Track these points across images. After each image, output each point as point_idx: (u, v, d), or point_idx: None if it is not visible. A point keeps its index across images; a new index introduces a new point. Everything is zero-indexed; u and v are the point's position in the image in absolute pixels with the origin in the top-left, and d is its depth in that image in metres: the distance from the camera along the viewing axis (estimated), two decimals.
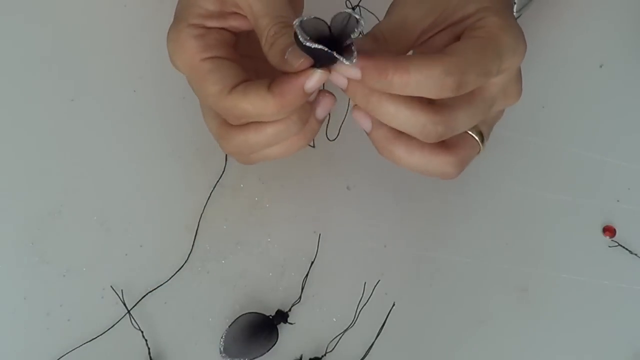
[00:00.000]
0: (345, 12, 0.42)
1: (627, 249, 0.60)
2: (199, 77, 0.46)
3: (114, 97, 0.61)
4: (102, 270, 0.57)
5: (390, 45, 0.46)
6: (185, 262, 0.58)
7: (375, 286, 0.57)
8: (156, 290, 0.57)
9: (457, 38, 0.47)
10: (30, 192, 0.59)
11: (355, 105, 0.46)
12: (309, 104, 0.45)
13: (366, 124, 0.46)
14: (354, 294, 0.57)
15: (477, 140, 0.48)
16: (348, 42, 0.42)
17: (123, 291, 0.56)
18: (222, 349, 0.55)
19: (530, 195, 0.61)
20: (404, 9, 0.47)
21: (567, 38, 0.65)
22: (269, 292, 0.58)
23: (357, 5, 0.63)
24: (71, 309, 0.56)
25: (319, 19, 0.42)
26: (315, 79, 0.43)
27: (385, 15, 0.48)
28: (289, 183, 0.60)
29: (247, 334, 0.56)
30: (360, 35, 0.42)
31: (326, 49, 0.41)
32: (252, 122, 0.46)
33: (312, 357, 0.56)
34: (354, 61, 0.41)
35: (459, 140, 0.47)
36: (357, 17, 0.41)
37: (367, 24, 0.63)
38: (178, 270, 0.57)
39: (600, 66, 0.65)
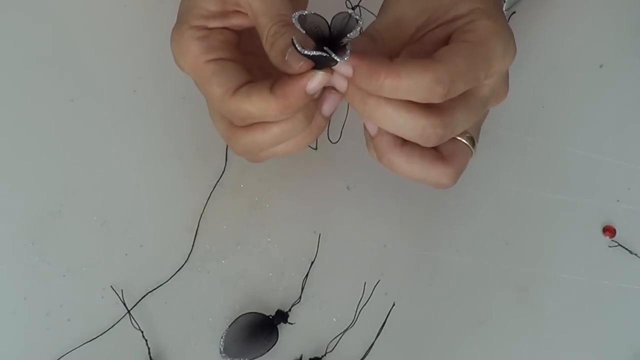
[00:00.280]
0: (345, 12, 0.42)
1: (627, 249, 0.60)
2: (203, 80, 0.46)
3: (114, 97, 0.61)
4: (102, 270, 0.57)
5: (387, 44, 0.46)
6: (185, 262, 0.58)
7: (375, 286, 0.57)
8: (156, 290, 0.57)
9: (449, 37, 0.47)
10: (30, 192, 0.59)
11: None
12: (315, 101, 0.46)
13: (373, 127, 0.47)
14: (354, 294, 0.57)
15: (469, 146, 0.49)
16: (344, 40, 0.42)
17: (123, 291, 0.56)
18: (222, 349, 0.55)
19: (530, 195, 0.61)
20: (399, 7, 0.47)
21: (567, 38, 0.65)
22: (269, 292, 0.58)
23: (357, 5, 0.63)
24: (71, 309, 0.56)
25: (318, 15, 0.42)
26: (316, 80, 0.43)
27: (379, 13, 0.48)
28: (289, 183, 0.60)
29: (247, 334, 0.56)
30: (360, 33, 0.42)
31: (322, 53, 0.41)
32: (258, 123, 0.46)
33: (312, 357, 0.56)
34: (345, 59, 0.42)
35: (455, 152, 0.48)
36: (357, 17, 0.42)
37: (367, 24, 0.63)
38: (178, 270, 0.57)
39: (600, 66, 0.65)
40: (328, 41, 0.42)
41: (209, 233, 0.59)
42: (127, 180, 0.60)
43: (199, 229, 0.58)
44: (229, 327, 0.56)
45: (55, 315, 0.56)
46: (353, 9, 0.62)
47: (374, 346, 0.56)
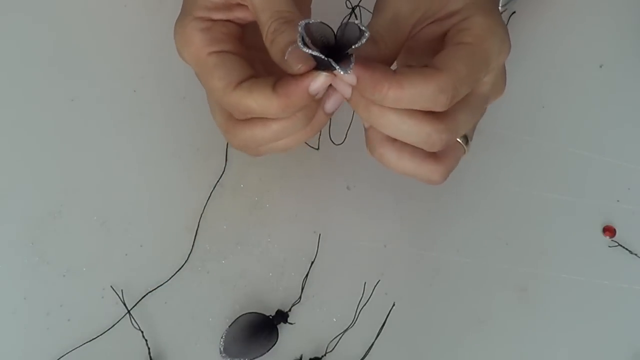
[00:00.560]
0: (352, 22, 0.42)
1: (627, 249, 0.60)
2: (205, 72, 0.46)
3: (114, 97, 0.61)
4: (102, 270, 0.57)
5: (389, 45, 0.46)
6: (185, 262, 0.58)
7: (375, 286, 0.57)
8: (156, 290, 0.57)
9: (444, 34, 0.47)
10: (30, 192, 0.59)
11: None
12: (316, 101, 0.45)
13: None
14: (354, 294, 0.57)
15: (462, 145, 0.49)
16: (350, 51, 0.42)
17: (123, 291, 0.56)
18: (222, 349, 0.55)
19: (530, 195, 0.61)
20: (393, 4, 0.47)
21: (567, 38, 0.65)
22: (269, 292, 0.58)
23: (357, 5, 0.63)
24: (71, 309, 0.56)
25: (324, 23, 0.42)
26: (320, 81, 0.43)
27: (375, 12, 0.48)
28: (289, 183, 0.60)
29: (247, 334, 0.56)
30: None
31: (324, 57, 0.41)
32: (257, 118, 0.46)
33: (312, 357, 0.56)
34: (349, 72, 0.42)
35: (447, 149, 0.48)
36: (363, 28, 0.42)
37: (367, 24, 0.63)
38: (178, 270, 0.57)
39: (600, 66, 0.65)
40: (333, 49, 0.42)
41: (209, 233, 0.59)
42: (127, 180, 0.60)
43: (199, 229, 0.58)
44: (229, 327, 0.56)
45: (55, 315, 0.56)
46: (353, 9, 0.62)
47: (374, 346, 0.56)
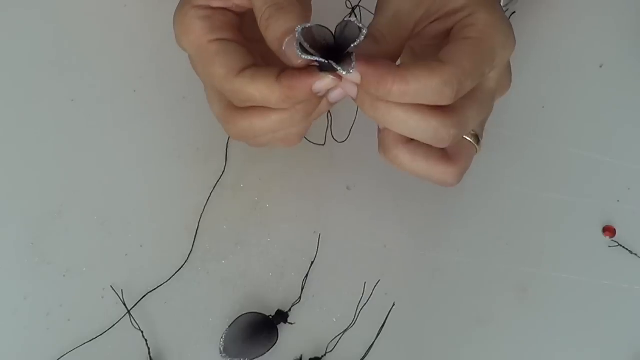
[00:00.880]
0: (349, 20, 0.42)
1: (627, 249, 0.60)
2: (206, 59, 0.46)
3: (114, 97, 0.61)
4: (102, 270, 0.57)
5: (390, 43, 0.46)
6: (185, 262, 0.58)
7: (375, 286, 0.57)
8: (156, 290, 0.57)
9: (449, 31, 0.47)
10: (30, 192, 0.59)
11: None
12: (318, 98, 0.45)
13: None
14: (354, 294, 0.57)
15: (474, 144, 0.49)
16: (350, 49, 0.42)
17: (123, 291, 0.56)
18: (222, 349, 0.55)
19: (530, 195, 0.61)
20: (395, 2, 0.47)
21: (567, 38, 0.65)
22: (269, 292, 0.58)
23: (357, 5, 0.63)
24: (71, 309, 0.56)
25: (321, 26, 0.42)
26: (324, 82, 0.43)
27: (377, 10, 0.48)
28: (289, 183, 0.60)
29: (247, 334, 0.56)
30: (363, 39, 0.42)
31: (325, 60, 0.41)
32: (257, 108, 0.46)
33: (312, 357, 0.56)
34: (351, 72, 0.42)
35: (460, 151, 0.48)
36: (360, 25, 0.41)
37: (367, 24, 0.63)
38: (178, 270, 0.57)
39: (600, 66, 0.65)
40: (333, 50, 0.42)
41: (209, 233, 0.59)
42: (127, 180, 0.59)
43: (199, 229, 0.58)
44: (229, 327, 0.56)
45: (55, 315, 0.56)
46: (353, 9, 0.62)
47: (374, 346, 0.56)
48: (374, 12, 0.61)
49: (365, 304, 0.57)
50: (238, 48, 0.46)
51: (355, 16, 0.63)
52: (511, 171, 0.61)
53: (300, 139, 0.49)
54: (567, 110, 0.63)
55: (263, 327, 0.56)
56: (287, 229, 0.59)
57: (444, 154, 0.47)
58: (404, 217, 0.60)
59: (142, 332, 0.55)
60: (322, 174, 0.60)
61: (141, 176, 0.60)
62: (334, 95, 0.46)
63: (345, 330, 0.57)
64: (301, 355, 0.56)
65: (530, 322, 0.58)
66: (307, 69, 0.43)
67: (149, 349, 0.55)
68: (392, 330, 0.57)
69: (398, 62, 0.48)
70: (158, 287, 0.57)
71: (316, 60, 0.42)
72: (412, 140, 0.46)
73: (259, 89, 0.44)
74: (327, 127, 0.59)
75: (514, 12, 0.64)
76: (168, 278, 0.57)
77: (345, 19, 0.42)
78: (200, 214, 0.59)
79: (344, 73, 0.42)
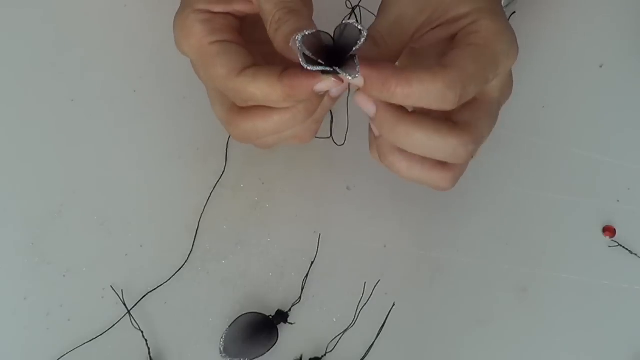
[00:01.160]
0: (348, 22, 0.42)
1: (627, 249, 0.60)
2: (207, 60, 0.46)
3: (114, 97, 0.61)
4: (102, 270, 0.57)
5: (389, 46, 0.46)
6: (185, 262, 0.58)
7: (375, 286, 0.57)
8: (156, 290, 0.57)
9: (452, 37, 0.47)
10: (30, 192, 0.59)
11: (358, 90, 0.45)
12: (318, 97, 0.46)
13: (370, 107, 0.46)
14: (354, 294, 0.57)
15: None
16: (353, 51, 0.42)
17: (123, 291, 0.56)
18: (222, 349, 0.55)
19: (530, 195, 0.61)
20: (398, 6, 0.47)
21: (567, 38, 0.65)
22: (269, 292, 0.58)
23: (357, 5, 0.63)
24: (71, 309, 0.56)
25: (321, 31, 0.43)
26: (326, 84, 0.44)
27: (379, 13, 0.48)
28: (289, 183, 0.60)
29: (247, 334, 0.56)
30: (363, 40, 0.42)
31: (330, 68, 0.42)
32: (259, 110, 0.46)
33: (312, 357, 0.56)
34: (357, 76, 0.42)
35: None
36: (360, 27, 0.42)
37: (367, 24, 0.63)
38: (178, 270, 0.57)
39: (600, 66, 0.65)
40: (333, 52, 0.42)
41: (209, 233, 0.59)
42: (127, 180, 0.60)
43: (199, 229, 0.58)
44: (229, 327, 0.56)
45: (55, 315, 0.56)
46: (353, 9, 0.62)
47: (374, 346, 0.56)
48: (373, 12, 0.61)
49: (365, 304, 0.57)
50: (239, 49, 0.47)
51: (355, 16, 0.63)
52: (511, 171, 0.61)
53: (313, 136, 0.50)
54: (567, 110, 0.63)
55: (263, 327, 0.56)
56: (287, 229, 0.59)
57: (439, 161, 0.47)
58: (404, 217, 0.60)
59: (142, 332, 0.55)
60: (322, 174, 0.60)
61: (141, 176, 0.60)
62: (335, 91, 0.46)
63: (345, 330, 0.57)
64: (301, 355, 0.56)
65: (530, 322, 0.58)
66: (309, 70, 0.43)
67: (149, 349, 0.55)
68: (392, 330, 0.57)
69: (396, 64, 0.48)
70: (158, 287, 0.57)
71: (321, 69, 0.42)
72: None
73: (260, 87, 0.44)
74: (330, 129, 0.59)
75: (514, 12, 0.64)
76: (168, 278, 0.57)
77: (345, 21, 0.42)
78: (200, 214, 0.59)
79: (350, 78, 0.42)
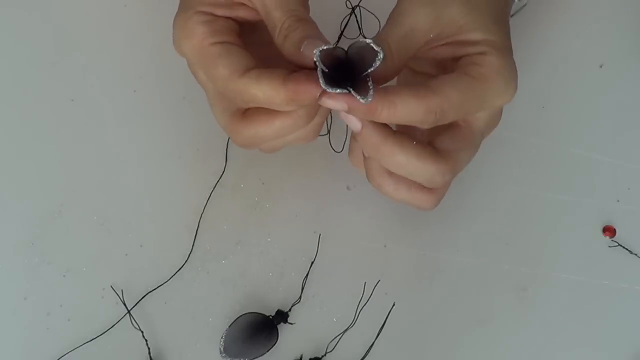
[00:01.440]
0: (366, 42, 0.42)
1: (627, 249, 0.60)
2: (209, 61, 0.46)
3: (114, 97, 0.61)
4: (102, 270, 0.57)
5: (396, 60, 0.47)
6: (185, 262, 0.58)
7: (375, 286, 0.57)
8: (156, 290, 0.57)
9: (455, 59, 0.48)
10: (30, 192, 0.59)
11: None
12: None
13: (355, 124, 0.47)
14: (354, 294, 0.57)
15: None
16: (365, 74, 0.43)
17: (123, 291, 0.56)
18: (222, 349, 0.55)
19: (530, 195, 0.61)
20: (411, 18, 0.47)
21: (567, 38, 0.65)
22: (269, 292, 0.58)
23: (357, 5, 0.63)
24: (71, 309, 0.56)
25: (337, 47, 0.43)
26: (334, 103, 0.44)
27: (390, 22, 0.48)
28: (289, 183, 0.60)
29: (247, 334, 0.56)
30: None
31: (349, 89, 0.42)
32: (261, 116, 0.47)
33: (312, 357, 0.56)
34: (369, 100, 0.43)
35: None
36: (377, 49, 0.42)
37: (367, 24, 0.63)
38: (178, 270, 0.57)
39: (600, 66, 0.65)
40: (345, 67, 0.43)
41: (209, 233, 0.59)
42: (127, 180, 0.60)
43: (199, 229, 0.58)
44: (229, 327, 0.56)
45: (55, 315, 0.56)
46: (353, 9, 0.62)
47: (374, 346, 0.56)
48: (373, 12, 0.61)
49: (365, 304, 0.57)
50: (240, 50, 0.47)
51: (355, 16, 0.62)
52: (511, 171, 0.61)
53: (318, 134, 0.51)
54: (567, 110, 0.63)
55: (263, 327, 0.56)
56: (287, 229, 0.59)
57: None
58: (404, 217, 0.60)
59: (142, 332, 0.55)
60: (322, 174, 0.60)
61: (141, 176, 0.60)
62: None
63: (345, 330, 0.57)
64: (301, 355, 0.56)
65: (530, 322, 0.58)
66: (313, 77, 0.44)
67: (149, 349, 0.55)
68: (392, 330, 0.57)
69: None
70: (158, 287, 0.57)
71: (339, 92, 0.43)
72: None
73: (263, 90, 0.45)
74: (328, 135, 0.59)
75: (525, 5, 0.63)
76: (168, 278, 0.57)
77: (362, 39, 0.42)
78: (200, 214, 0.59)
79: (362, 101, 0.42)
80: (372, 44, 0.42)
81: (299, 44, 0.44)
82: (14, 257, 0.57)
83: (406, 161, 0.46)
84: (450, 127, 0.48)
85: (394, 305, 0.57)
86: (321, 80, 0.42)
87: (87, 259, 0.57)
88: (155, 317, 0.56)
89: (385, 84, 0.46)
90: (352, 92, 0.42)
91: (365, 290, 0.57)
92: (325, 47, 0.42)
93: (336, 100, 0.44)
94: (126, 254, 0.58)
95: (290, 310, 0.57)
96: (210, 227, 0.59)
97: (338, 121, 0.58)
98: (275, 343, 0.56)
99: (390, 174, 0.48)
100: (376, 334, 0.56)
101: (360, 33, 0.62)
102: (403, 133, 0.47)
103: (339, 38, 0.62)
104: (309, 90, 0.44)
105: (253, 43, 0.49)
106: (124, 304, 0.56)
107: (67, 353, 0.55)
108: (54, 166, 0.60)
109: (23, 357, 0.55)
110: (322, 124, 0.50)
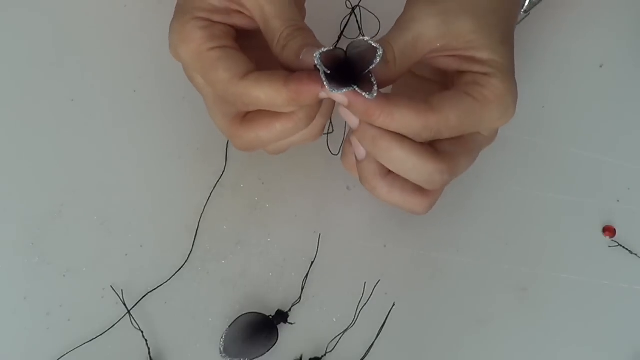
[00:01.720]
0: (364, 40, 0.43)
1: (627, 249, 0.60)
2: (208, 65, 0.47)
3: (114, 97, 0.61)
4: (102, 270, 0.57)
5: (398, 66, 0.47)
6: (185, 262, 0.58)
7: (375, 286, 0.57)
8: (156, 290, 0.57)
9: (459, 73, 0.48)
10: (30, 192, 0.59)
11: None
12: (319, 104, 0.47)
13: (362, 152, 0.48)
14: (354, 294, 0.57)
15: None
16: (366, 71, 0.44)
17: (123, 291, 0.56)
18: (222, 349, 0.55)
19: (530, 195, 0.61)
20: (419, 25, 0.47)
21: (567, 38, 0.65)
22: (269, 292, 0.58)
23: (357, 5, 0.63)
24: (71, 309, 0.56)
25: (338, 48, 0.44)
26: (338, 98, 0.45)
27: (396, 27, 0.48)
28: (289, 183, 0.60)
29: (247, 334, 0.56)
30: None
31: (353, 87, 0.43)
32: (261, 120, 0.47)
33: (312, 357, 0.56)
34: (374, 95, 0.43)
35: None
36: (376, 46, 0.43)
37: (367, 24, 0.63)
38: (178, 270, 0.57)
39: (600, 66, 0.65)
40: (345, 67, 0.44)
41: (209, 233, 0.59)
42: (127, 180, 0.60)
43: (199, 229, 0.58)
44: (229, 327, 0.56)
45: (55, 315, 0.56)
46: (353, 9, 0.62)
47: (374, 346, 0.56)
48: (374, 12, 0.61)
49: (365, 304, 0.57)
50: (239, 54, 0.47)
51: (355, 16, 0.63)
52: (511, 171, 0.61)
53: (321, 133, 0.51)
54: (567, 110, 0.63)
55: (263, 327, 0.56)
56: (287, 229, 0.59)
57: (418, 187, 0.49)
58: (404, 217, 0.60)
59: (142, 332, 0.55)
60: (322, 174, 0.60)
61: (141, 176, 0.60)
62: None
63: (345, 330, 0.57)
64: (301, 355, 0.56)
65: (530, 322, 0.58)
66: (314, 76, 0.44)
67: (149, 349, 0.55)
68: (392, 330, 0.57)
69: None
70: (158, 287, 0.57)
71: (344, 91, 0.43)
72: (389, 172, 0.48)
73: (265, 91, 0.45)
74: (326, 138, 0.59)
75: (528, 14, 0.63)
76: (168, 278, 0.57)
77: (361, 38, 0.43)
78: (200, 214, 0.59)
79: (368, 96, 0.43)
80: (370, 42, 0.42)
81: (298, 52, 0.45)
82: (14, 257, 0.57)
83: (405, 157, 0.46)
84: None
85: (394, 305, 0.57)
86: (325, 83, 0.43)
87: (87, 259, 0.57)
88: (155, 317, 0.57)
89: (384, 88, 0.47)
90: (357, 89, 0.43)
91: (365, 290, 0.57)
92: (325, 49, 0.43)
93: (338, 97, 0.45)
94: (126, 254, 0.58)
95: (290, 310, 0.57)
96: (210, 227, 0.59)
97: (336, 124, 0.58)
98: (275, 343, 0.56)
99: (384, 176, 0.48)
100: (376, 334, 0.56)
101: (360, 33, 0.62)
102: None
103: (339, 38, 0.62)
104: (311, 89, 0.44)
105: (249, 48, 0.49)
106: (124, 304, 0.56)
107: (67, 353, 0.55)
108: (54, 166, 0.60)
109: (23, 357, 0.55)
110: (327, 120, 0.50)
